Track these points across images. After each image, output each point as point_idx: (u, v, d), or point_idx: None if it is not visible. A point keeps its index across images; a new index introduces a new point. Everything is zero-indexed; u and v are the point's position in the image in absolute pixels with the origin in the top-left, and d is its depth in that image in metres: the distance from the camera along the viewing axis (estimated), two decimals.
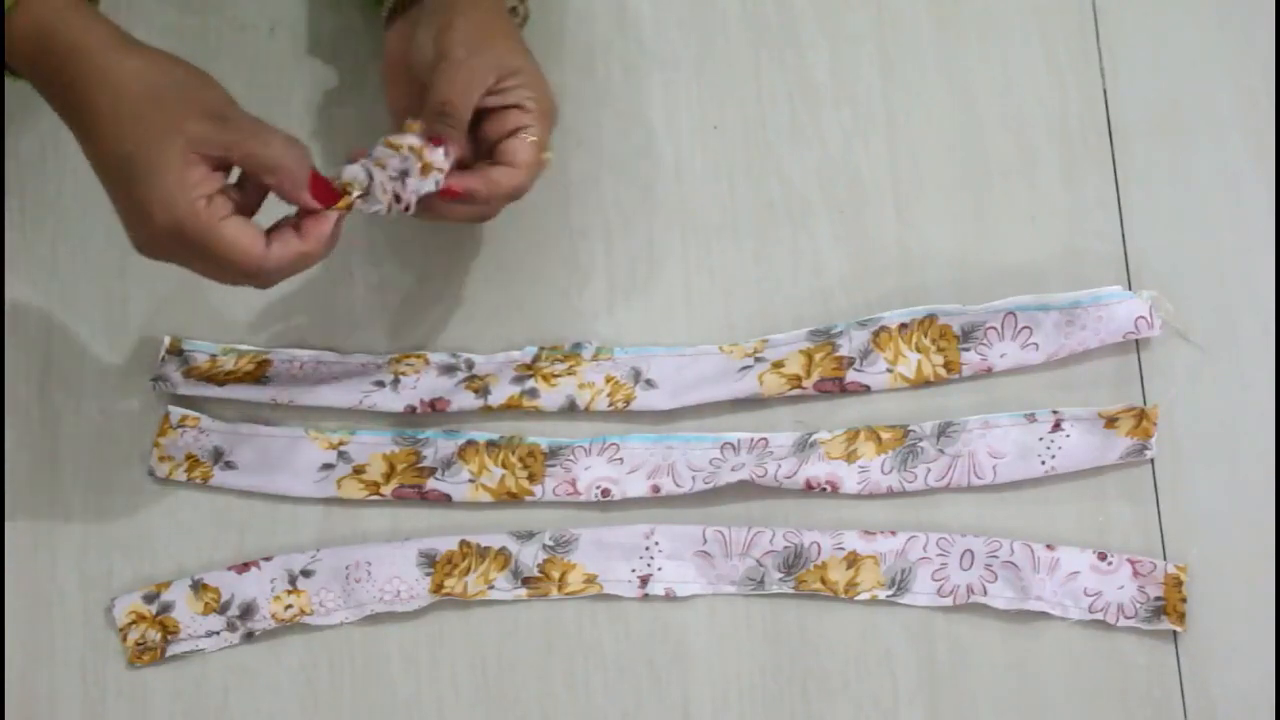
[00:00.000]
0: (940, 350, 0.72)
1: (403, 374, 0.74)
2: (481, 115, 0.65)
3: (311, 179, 0.60)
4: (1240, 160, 0.74)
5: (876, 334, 0.73)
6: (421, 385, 0.74)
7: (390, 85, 0.68)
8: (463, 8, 0.65)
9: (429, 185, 0.63)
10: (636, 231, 0.76)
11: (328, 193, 0.61)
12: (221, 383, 0.75)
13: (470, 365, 0.74)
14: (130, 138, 0.57)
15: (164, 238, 0.58)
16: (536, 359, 0.74)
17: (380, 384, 0.74)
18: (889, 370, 0.72)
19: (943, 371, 0.72)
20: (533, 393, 0.74)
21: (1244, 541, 0.70)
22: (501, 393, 0.74)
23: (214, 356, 0.75)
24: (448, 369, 0.74)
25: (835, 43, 0.77)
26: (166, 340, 0.75)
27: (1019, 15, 0.76)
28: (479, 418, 0.74)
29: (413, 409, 0.74)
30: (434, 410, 0.74)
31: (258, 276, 0.60)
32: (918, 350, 0.72)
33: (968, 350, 0.72)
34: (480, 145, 0.66)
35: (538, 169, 0.66)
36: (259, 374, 0.75)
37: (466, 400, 0.74)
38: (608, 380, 0.74)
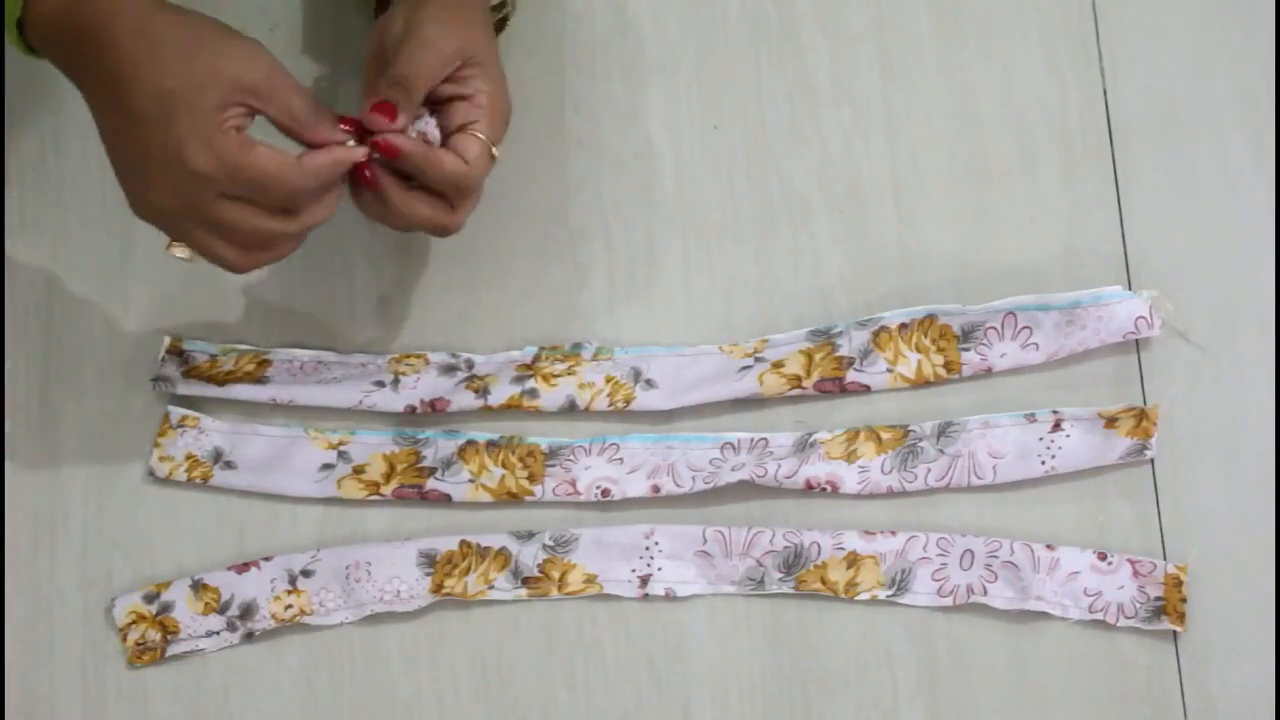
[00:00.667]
0: (940, 350, 0.72)
1: (403, 374, 0.74)
2: (436, 107, 0.65)
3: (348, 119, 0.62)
4: (1240, 160, 0.74)
5: (876, 334, 0.73)
6: (421, 385, 0.74)
7: (367, 70, 0.67)
8: None
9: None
10: (636, 231, 0.76)
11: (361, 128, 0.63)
12: (221, 383, 0.74)
13: (470, 365, 0.74)
14: (174, 75, 0.57)
15: (194, 177, 0.58)
16: (536, 359, 0.74)
17: (380, 384, 0.74)
18: (889, 370, 0.72)
19: (943, 371, 0.72)
20: (533, 393, 0.74)
21: (1244, 541, 0.70)
22: (501, 393, 0.74)
23: (214, 356, 0.75)
24: (448, 369, 0.74)
25: (835, 43, 0.77)
26: (166, 340, 0.75)
27: (1019, 15, 0.76)
28: (479, 418, 0.74)
29: (413, 409, 0.74)
30: (434, 410, 0.74)
31: (298, 193, 0.60)
32: (918, 350, 0.72)
33: (968, 350, 0.72)
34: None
35: (484, 165, 0.65)
36: (259, 374, 0.75)
37: (466, 400, 0.74)
38: (608, 380, 0.74)
